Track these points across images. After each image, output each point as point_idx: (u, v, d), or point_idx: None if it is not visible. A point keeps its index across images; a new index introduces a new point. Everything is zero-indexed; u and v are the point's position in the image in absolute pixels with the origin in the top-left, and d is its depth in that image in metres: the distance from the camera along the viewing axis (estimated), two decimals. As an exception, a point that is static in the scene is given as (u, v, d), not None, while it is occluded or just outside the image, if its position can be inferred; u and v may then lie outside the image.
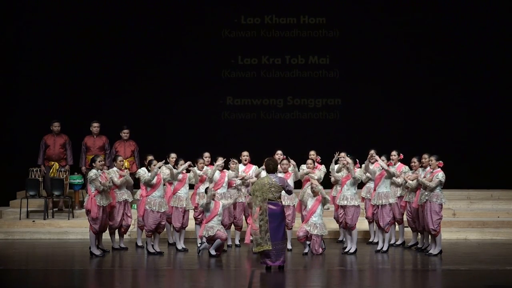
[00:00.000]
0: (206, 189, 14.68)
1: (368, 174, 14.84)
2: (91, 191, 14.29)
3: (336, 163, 15.15)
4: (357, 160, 14.77)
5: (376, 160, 14.73)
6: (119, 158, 15.06)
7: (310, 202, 14.47)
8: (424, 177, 14.33)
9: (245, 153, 15.71)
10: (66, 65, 19.06)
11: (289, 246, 14.44)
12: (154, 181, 14.49)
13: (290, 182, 14.74)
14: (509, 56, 19.21)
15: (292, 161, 15.02)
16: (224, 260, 14.16)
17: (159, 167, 14.44)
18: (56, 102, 18.80)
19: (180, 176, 14.91)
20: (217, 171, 15.28)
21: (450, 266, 13.55)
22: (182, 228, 14.98)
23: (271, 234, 12.95)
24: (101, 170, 14.41)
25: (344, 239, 15.28)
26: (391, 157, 15.09)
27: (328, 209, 15.79)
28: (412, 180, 14.59)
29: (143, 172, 14.71)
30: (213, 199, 14.57)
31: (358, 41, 19.30)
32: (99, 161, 14.37)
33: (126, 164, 16.08)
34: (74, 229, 16.44)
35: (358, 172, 14.70)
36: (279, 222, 13.02)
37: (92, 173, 14.31)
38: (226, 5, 19.41)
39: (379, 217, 14.72)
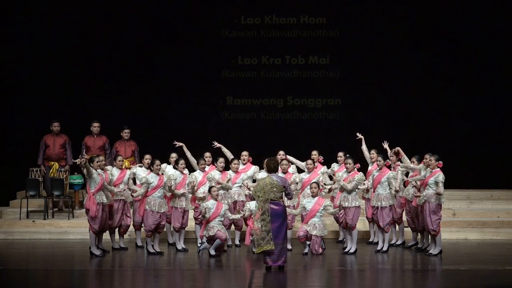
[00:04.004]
0: (210, 188, 14.70)
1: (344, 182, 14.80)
2: (90, 190, 14.28)
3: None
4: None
5: (377, 161, 14.76)
6: (119, 158, 15.08)
7: (310, 204, 14.46)
8: (424, 176, 14.34)
9: (245, 153, 15.74)
10: (66, 65, 19.06)
11: (289, 246, 14.43)
12: (156, 182, 14.51)
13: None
14: (509, 56, 19.21)
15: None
16: (224, 260, 14.16)
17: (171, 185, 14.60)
18: (56, 102, 18.80)
19: (180, 178, 14.93)
20: (218, 172, 15.32)
21: (450, 266, 13.55)
22: (182, 228, 14.99)
23: (274, 233, 12.96)
24: (101, 169, 14.40)
25: (344, 239, 15.28)
26: (389, 157, 15.10)
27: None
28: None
29: (133, 172, 14.83)
30: (216, 200, 14.58)
31: (358, 41, 19.30)
32: (97, 162, 14.35)
33: (126, 164, 16.08)
34: (74, 229, 16.44)
35: (359, 176, 14.68)
36: (281, 221, 13.03)
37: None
38: (226, 5, 19.41)
39: (379, 217, 14.72)
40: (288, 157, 15.64)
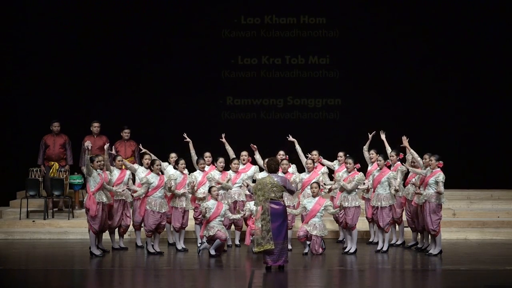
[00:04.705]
0: (210, 188, 14.71)
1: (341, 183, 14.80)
2: (90, 189, 14.28)
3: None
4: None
5: (377, 160, 14.76)
6: (118, 158, 15.09)
7: (310, 204, 14.46)
8: (425, 175, 14.35)
9: (244, 153, 15.75)
10: (66, 65, 19.06)
11: (289, 246, 14.43)
12: (156, 182, 14.51)
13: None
14: (509, 55, 19.21)
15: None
16: (224, 260, 14.16)
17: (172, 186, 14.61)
18: (56, 102, 18.80)
19: (180, 178, 14.94)
20: (218, 172, 15.33)
21: (450, 266, 13.55)
22: (182, 228, 14.99)
23: (274, 233, 12.96)
24: (101, 169, 14.40)
25: (344, 239, 15.29)
26: (390, 157, 15.10)
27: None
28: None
29: (136, 170, 14.84)
30: (216, 200, 14.59)
31: (358, 41, 19.29)
32: (97, 161, 14.36)
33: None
34: (74, 229, 16.44)
35: (359, 177, 14.66)
36: (281, 221, 13.03)
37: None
38: (226, 5, 19.41)
39: (378, 217, 14.72)
40: (297, 146, 15.67)
